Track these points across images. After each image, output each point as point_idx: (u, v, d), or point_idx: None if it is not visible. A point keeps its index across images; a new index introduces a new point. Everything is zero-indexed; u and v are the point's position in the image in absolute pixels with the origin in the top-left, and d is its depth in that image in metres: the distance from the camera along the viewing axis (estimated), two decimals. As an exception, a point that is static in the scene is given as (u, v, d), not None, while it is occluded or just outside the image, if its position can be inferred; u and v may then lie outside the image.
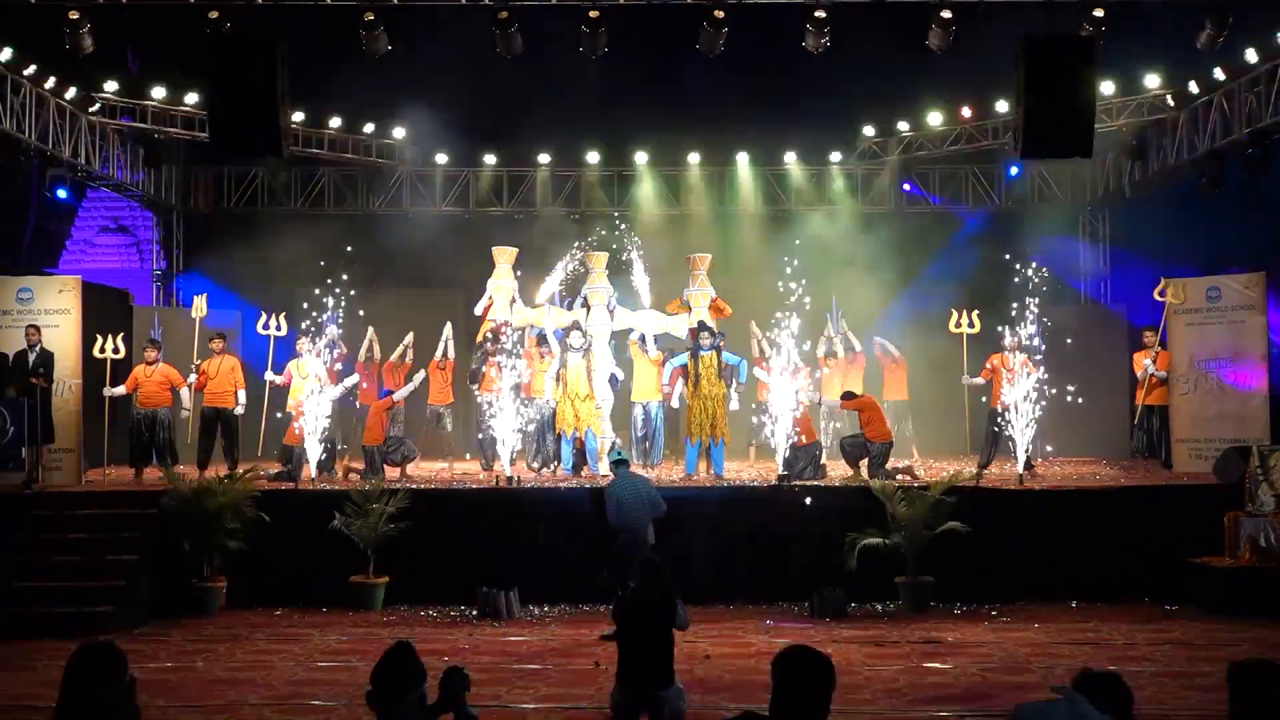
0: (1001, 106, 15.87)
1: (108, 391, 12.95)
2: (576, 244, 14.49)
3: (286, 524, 11.11)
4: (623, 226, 14.69)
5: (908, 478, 12.13)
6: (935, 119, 17.00)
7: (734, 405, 13.49)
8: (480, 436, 13.84)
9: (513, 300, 13.98)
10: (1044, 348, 12.87)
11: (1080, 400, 13.57)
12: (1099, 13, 11.73)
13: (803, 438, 12.52)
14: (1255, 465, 10.95)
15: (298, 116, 15.26)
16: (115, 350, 13.16)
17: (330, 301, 13.49)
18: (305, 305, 13.61)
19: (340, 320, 13.70)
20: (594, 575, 10.11)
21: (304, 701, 7.80)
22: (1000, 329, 13.06)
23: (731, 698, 7.59)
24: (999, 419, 12.67)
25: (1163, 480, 12.70)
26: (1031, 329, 12.66)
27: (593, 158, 17.83)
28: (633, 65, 13.80)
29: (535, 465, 13.49)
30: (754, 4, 12.22)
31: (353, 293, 14.14)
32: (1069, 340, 14.75)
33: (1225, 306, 13.61)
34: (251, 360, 14.44)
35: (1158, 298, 13.59)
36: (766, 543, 11.24)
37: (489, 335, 13.79)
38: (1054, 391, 13.03)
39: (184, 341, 14.13)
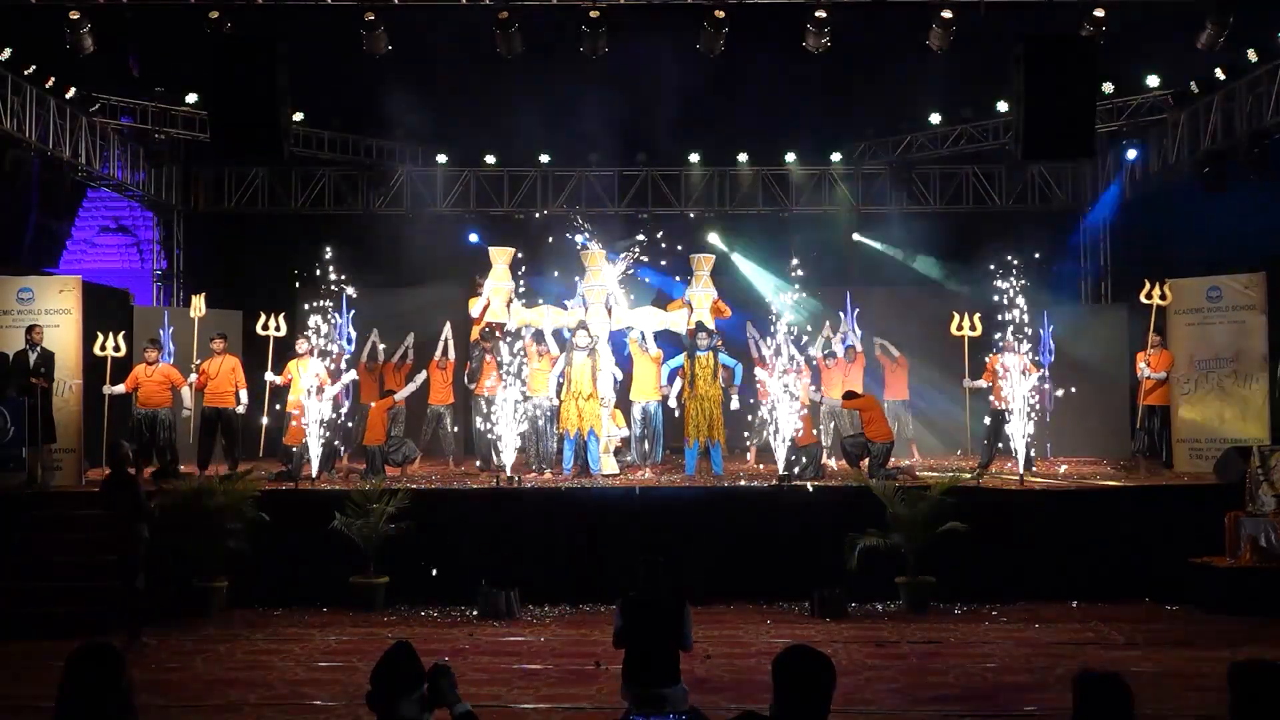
0: (1001, 107, 15.85)
1: (107, 389, 12.94)
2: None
3: (286, 524, 11.11)
4: (626, 226, 14.68)
5: (907, 478, 12.13)
6: (935, 119, 16.98)
7: (734, 406, 13.48)
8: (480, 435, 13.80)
9: (510, 301, 13.94)
10: (1051, 348, 12.83)
11: (1080, 400, 13.56)
12: (1099, 13, 11.71)
13: (803, 428, 12.51)
14: (1255, 465, 10.95)
15: (298, 117, 15.24)
16: (116, 348, 13.16)
17: (330, 302, 13.45)
18: (305, 305, 13.58)
19: (343, 320, 13.68)
20: (596, 576, 10.10)
21: (304, 701, 7.80)
22: (998, 334, 13.04)
23: (731, 698, 7.58)
24: (1000, 419, 12.65)
25: (1163, 480, 12.70)
26: (1031, 330, 12.64)
27: (593, 157, 17.82)
28: (634, 65, 13.78)
29: (534, 465, 13.47)
30: (754, 4, 12.21)
31: (353, 293, 14.14)
32: (1069, 340, 14.72)
33: (1225, 306, 13.61)
34: (251, 360, 14.43)
35: (1144, 300, 13.59)
36: (766, 543, 11.24)
37: (484, 333, 13.79)
38: (1057, 393, 13.01)
39: (184, 342, 14.14)
